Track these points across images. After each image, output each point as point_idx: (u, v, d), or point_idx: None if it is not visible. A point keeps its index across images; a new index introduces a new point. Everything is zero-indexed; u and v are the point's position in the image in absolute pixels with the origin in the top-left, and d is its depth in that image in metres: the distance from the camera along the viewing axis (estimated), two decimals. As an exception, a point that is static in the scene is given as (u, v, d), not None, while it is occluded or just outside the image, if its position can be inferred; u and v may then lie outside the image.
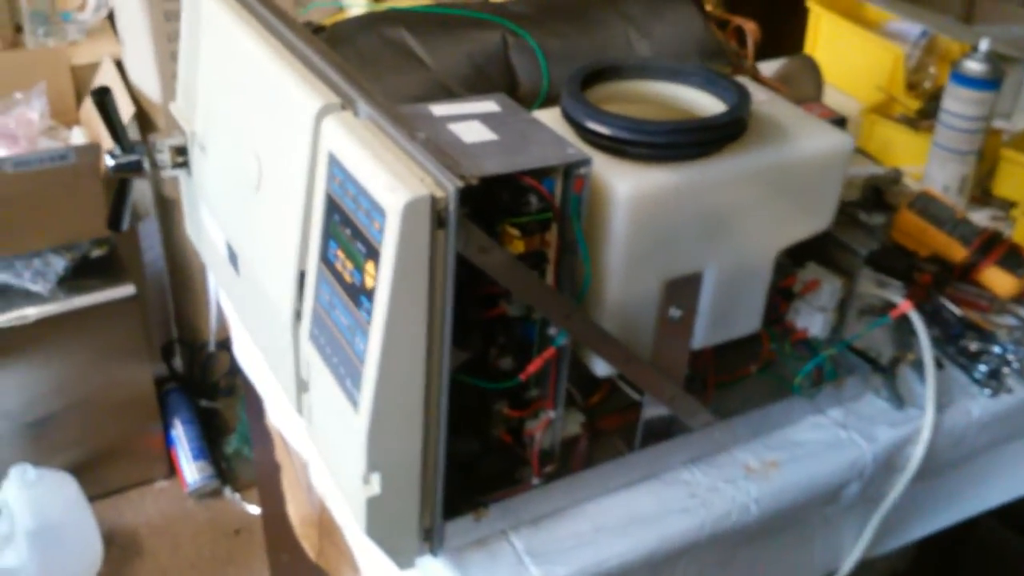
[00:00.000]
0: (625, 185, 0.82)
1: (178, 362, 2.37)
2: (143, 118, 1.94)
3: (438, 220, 0.71)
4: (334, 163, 0.77)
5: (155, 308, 2.31)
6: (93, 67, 2.04)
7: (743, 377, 1.05)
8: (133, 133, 1.89)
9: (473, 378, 0.85)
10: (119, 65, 2.02)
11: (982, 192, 1.42)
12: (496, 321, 0.86)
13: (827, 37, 1.69)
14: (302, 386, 0.91)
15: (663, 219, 0.85)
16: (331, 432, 0.86)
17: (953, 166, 1.36)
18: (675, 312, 0.91)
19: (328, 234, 0.80)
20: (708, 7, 1.13)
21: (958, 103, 1.32)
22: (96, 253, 1.98)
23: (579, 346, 0.89)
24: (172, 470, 2.25)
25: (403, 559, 0.85)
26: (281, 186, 0.88)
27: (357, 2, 1.04)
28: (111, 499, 2.19)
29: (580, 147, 0.80)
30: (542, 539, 0.90)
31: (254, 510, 2.17)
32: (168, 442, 2.24)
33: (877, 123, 1.53)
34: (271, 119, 0.88)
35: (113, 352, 2.05)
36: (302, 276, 0.86)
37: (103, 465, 2.14)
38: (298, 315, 0.87)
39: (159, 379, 2.26)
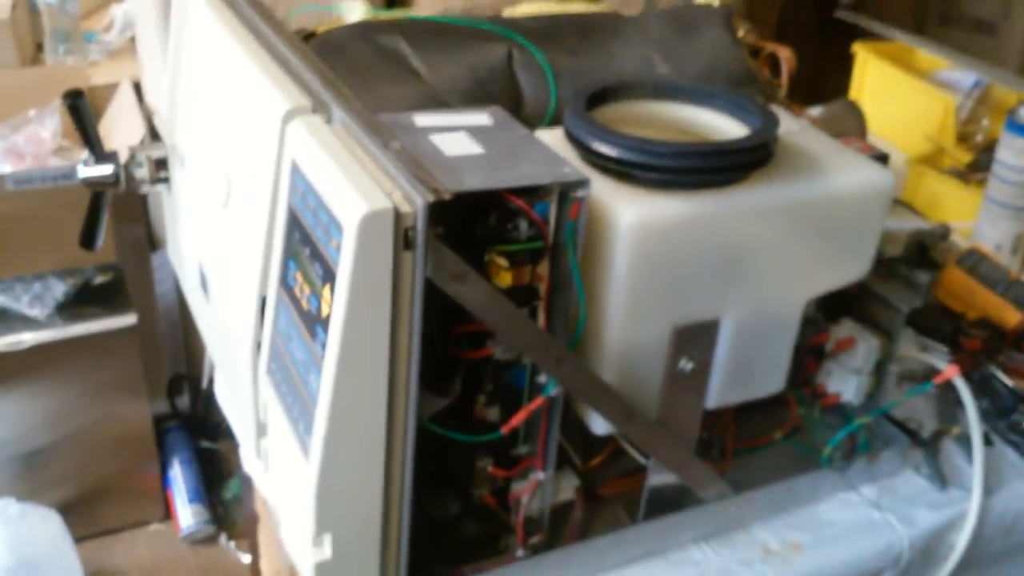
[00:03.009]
0: (630, 212, 0.72)
1: (185, 399, 2.28)
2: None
3: (404, 239, 0.61)
4: (296, 172, 0.68)
5: (166, 341, 2.23)
6: (112, 88, 1.99)
7: (765, 444, 0.94)
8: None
9: (448, 429, 0.74)
10: (138, 87, 1.96)
11: (1038, 252, 1.31)
12: (482, 364, 0.76)
13: (873, 84, 1.59)
14: (261, 429, 0.81)
15: (673, 254, 0.74)
16: (284, 484, 0.75)
17: (1007, 223, 1.26)
18: (686, 364, 0.80)
19: (288, 254, 0.70)
20: (741, 33, 1.03)
21: (1013, 155, 1.22)
22: (100, 279, 1.90)
23: (576, 398, 0.78)
24: (168, 512, 2.15)
25: (357, 634, 0.74)
26: (247, 200, 0.79)
27: (355, 9, 0.95)
28: (102, 539, 2.09)
29: (582, 169, 0.70)
30: (523, 619, 0.78)
31: (249, 560, 2.06)
32: (165, 483, 2.15)
33: (924, 175, 1.42)
34: (241, 126, 0.80)
35: (111, 385, 1.96)
36: (264, 303, 0.76)
37: (95, 503, 2.04)
38: (258, 346, 0.78)
39: (161, 416, 2.17)
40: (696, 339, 0.79)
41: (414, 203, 0.60)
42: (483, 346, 0.75)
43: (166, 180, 1.01)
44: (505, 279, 0.71)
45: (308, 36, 0.93)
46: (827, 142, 0.86)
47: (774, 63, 1.04)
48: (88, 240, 1.03)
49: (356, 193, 0.60)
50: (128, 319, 1.90)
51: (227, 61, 0.84)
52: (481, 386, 0.78)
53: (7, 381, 1.85)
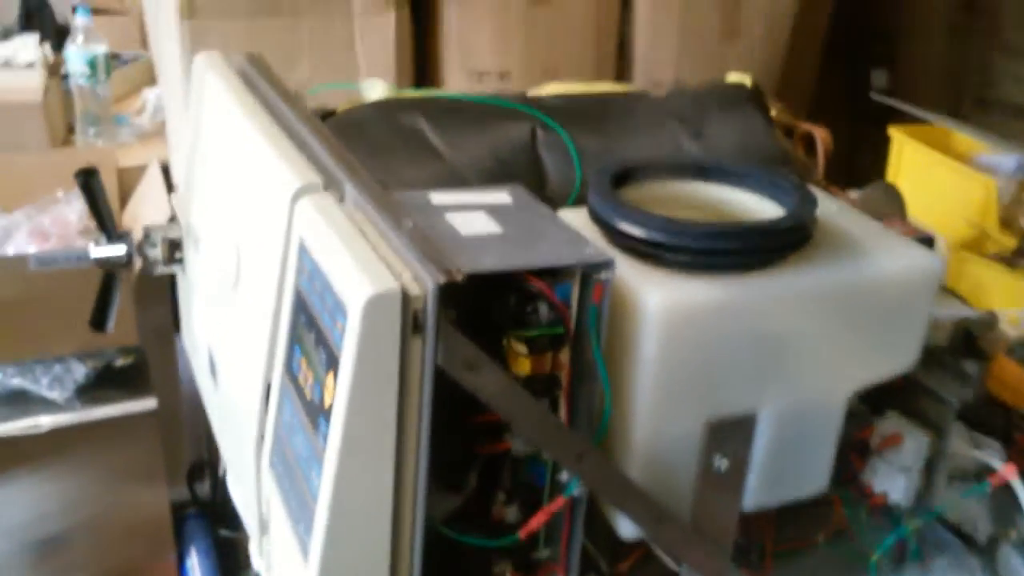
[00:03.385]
0: (657, 295, 0.67)
1: (205, 486, 2.23)
2: (183, 225, 1.87)
3: (413, 323, 0.56)
4: (303, 252, 0.64)
5: (188, 426, 2.19)
6: (140, 170, 1.99)
7: (807, 548, 0.87)
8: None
9: (461, 531, 0.69)
10: (166, 170, 1.97)
11: (1095, 343, 1.24)
12: (499, 459, 0.71)
13: (910, 167, 1.55)
14: (263, 526, 0.76)
15: (705, 342, 0.69)
16: (284, 585, 0.70)
17: (1060, 311, 1.19)
18: (721, 462, 0.74)
19: (294, 338, 0.66)
20: (773, 112, 0.99)
21: (1064, 239, 1.16)
22: (121, 362, 1.87)
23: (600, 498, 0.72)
24: (182, 603, 2.08)
25: None
26: (256, 281, 0.75)
27: (376, 87, 0.93)
28: (114, 631, 2.02)
29: (606, 251, 0.66)
30: None
31: (263, 655, 1.97)
32: (182, 572, 2.08)
33: (968, 261, 1.36)
34: (252, 205, 0.76)
35: (129, 470, 1.92)
36: (269, 391, 0.72)
37: (109, 593, 1.98)
38: (263, 438, 0.73)
39: (180, 503, 2.11)
40: (731, 435, 0.73)
41: (424, 285, 0.56)
42: (500, 439, 0.70)
43: (180, 261, 0.98)
44: (524, 367, 0.66)
45: (328, 114, 0.90)
46: (869, 224, 0.81)
47: (809, 144, 1.00)
48: (99, 321, 1.00)
49: (362, 274, 0.56)
50: (148, 403, 1.86)
51: (240, 139, 0.81)
52: (499, 483, 0.72)
53: (24, 465, 1.81)
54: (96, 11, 2.11)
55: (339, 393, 0.56)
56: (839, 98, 2.16)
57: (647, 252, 0.70)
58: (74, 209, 1.85)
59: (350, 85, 0.95)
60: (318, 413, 0.60)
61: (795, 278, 0.72)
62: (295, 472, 0.65)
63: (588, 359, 0.66)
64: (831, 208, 0.81)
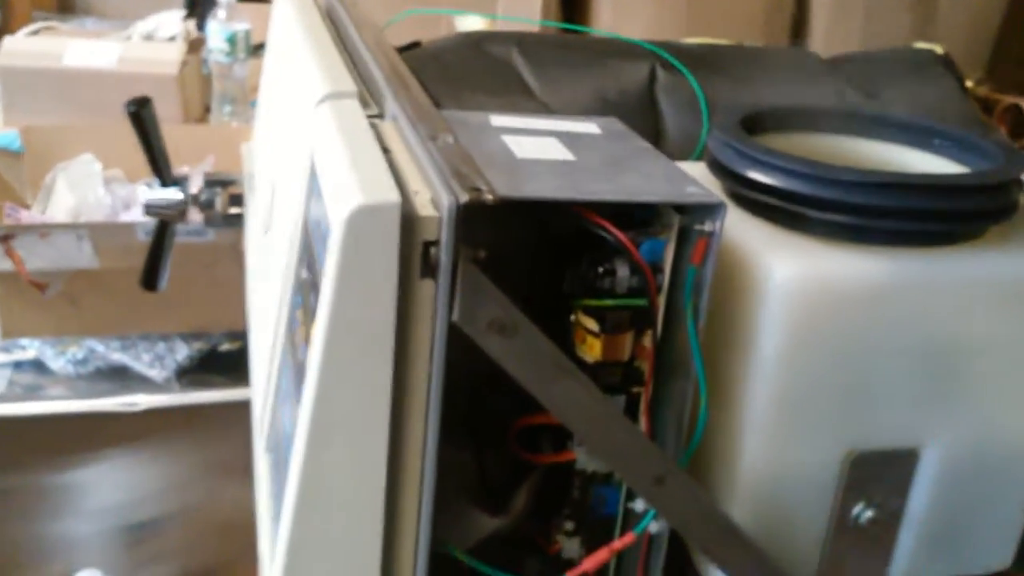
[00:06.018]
0: (791, 267, 0.48)
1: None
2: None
3: (423, 260, 0.40)
4: (313, 170, 0.49)
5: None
6: (267, 153, 1.93)
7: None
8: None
9: (502, 567, 0.51)
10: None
11: None
12: (559, 473, 0.53)
13: None
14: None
15: (855, 340, 0.49)
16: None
17: None
18: (865, 512, 0.55)
19: (296, 287, 0.51)
20: (970, 83, 0.78)
21: None
22: (227, 347, 1.80)
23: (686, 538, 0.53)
24: (270, 609, 1.98)
25: None
26: (282, 221, 0.60)
27: (471, 21, 0.78)
28: (197, 629, 1.93)
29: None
30: None
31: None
32: (273, 575, 1.98)
33: None
34: (286, 130, 0.62)
35: (225, 462, 1.83)
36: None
37: (195, 588, 1.90)
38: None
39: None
40: (881, 476, 0.53)
41: (441, 207, 0.39)
42: (563, 445, 0.52)
43: (239, 217, 0.86)
44: (592, 349, 0.49)
45: (412, 45, 0.75)
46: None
47: (1017, 120, 0.78)
48: (150, 279, 0.89)
49: (356, 184, 0.40)
50: (249, 392, 1.77)
51: (293, 64, 0.67)
52: (557, 506, 0.55)
53: (119, 444, 1.76)
54: (243, -2, 2.08)
55: (313, 347, 0.41)
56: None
57: (783, 209, 0.51)
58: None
59: (442, 11, 0.80)
60: (302, 377, 0.45)
61: (993, 261, 0.51)
62: (279, 456, 0.49)
63: (681, 346, 0.48)
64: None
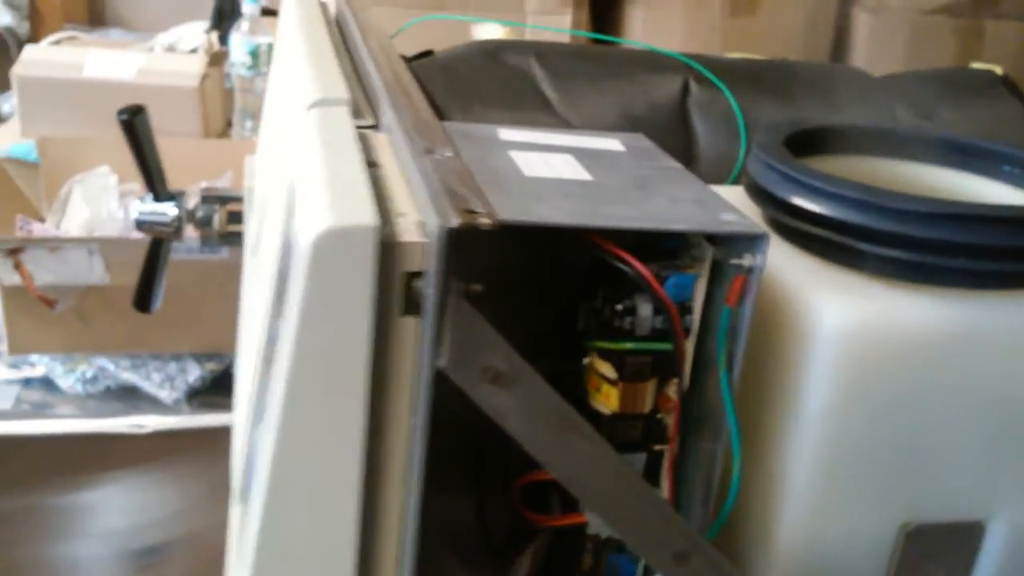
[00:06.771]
0: (842, 308, 0.41)
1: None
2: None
3: (406, 294, 0.33)
4: (292, 186, 0.43)
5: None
6: (287, 167, 1.88)
7: None
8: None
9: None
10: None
11: None
12: (569, 536, 0.47)
13: None
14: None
15: (916, 394, 0.42)
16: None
17: None
18: (921, 591, 0.47)
19: (275, 308, 0.45)
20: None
21: None
22: (240, 369, 1.74)
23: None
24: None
25: None
26: (268, 240, 0.54)
27: (489, 29, 0.72)
28: (202, 660, 1.87)
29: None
30: None
31: None
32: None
33: None
34: (277, 143, 0.56)
35: (231, 486, 1.77)
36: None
37: (201, 618, 1.84)
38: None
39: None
40: (942, 551, 0.45)
41: (429, 232, 0.33)
42: (575, 507, 0.46)
43: (238, 235, 0.80)
44: (609, 399, 0.42)
45: (423, 55, 0.69)
46: None
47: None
48: (142, 300, 0.83)
49: (328, 204, 0.33)
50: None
51: (289, 69, 0.62)
52: (566, 574, 0.48)
53: (125, 467, 1.71)
54: (269, 12, 2.04)
55: (275, 383, 0.34)
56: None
57: (833, 241, 0.44)
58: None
59: (454, 16, 0.74)
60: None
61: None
62: (251, 491, 0.43)
63: (712, 398, 0.41)
64: None
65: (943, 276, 0.42)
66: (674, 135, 0.62)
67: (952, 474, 0.45)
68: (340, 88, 0.49)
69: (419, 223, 0.35)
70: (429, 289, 0.33)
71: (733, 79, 0.64)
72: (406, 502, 0.37)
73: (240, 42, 1.89)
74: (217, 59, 1.95)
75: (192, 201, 0.80)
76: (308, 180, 0.37)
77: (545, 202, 0.37)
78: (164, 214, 0.79)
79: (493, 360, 0.34)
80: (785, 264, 0.45)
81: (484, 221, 0.33)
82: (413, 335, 0.34)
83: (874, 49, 1.51)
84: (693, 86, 0.64)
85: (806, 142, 0.51)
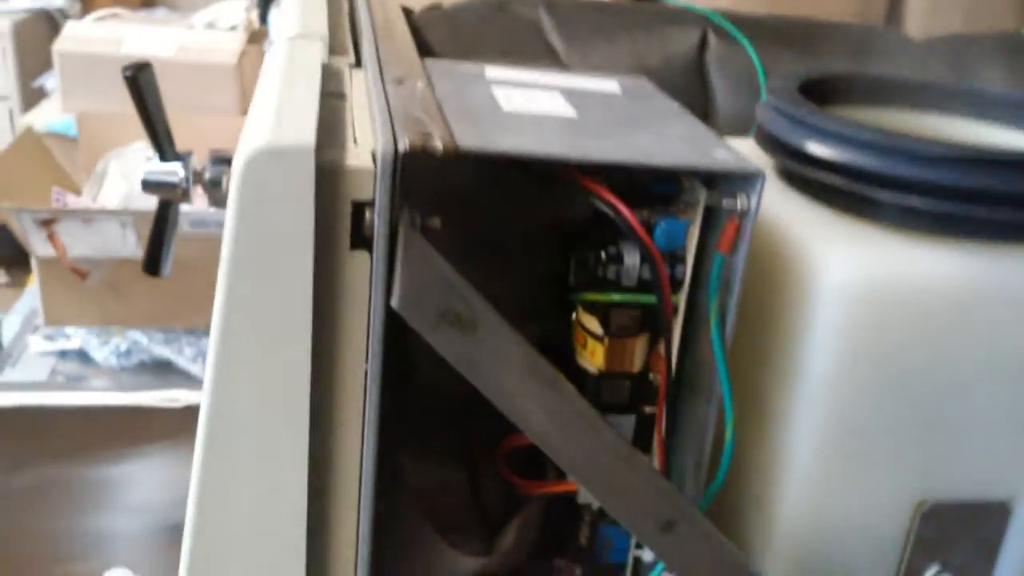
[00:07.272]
0: (850, 260, 0.37)
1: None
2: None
3: (354, 225, 0.31)
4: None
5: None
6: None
7: None
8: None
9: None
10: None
11: None
12: (561, 507, 0.44)
13: None
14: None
15: (934, 357, 0.38)
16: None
17: None
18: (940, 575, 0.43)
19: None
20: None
21: None
22: (273, 345, 1.74)
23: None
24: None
25: None
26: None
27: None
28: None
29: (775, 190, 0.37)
30: None
31: None
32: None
33: None
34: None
35: (266, 464, 1.77)
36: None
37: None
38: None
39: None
40: (962, 532, 0.42)
41: (377, 155, 0.30)
42: (563, 475, 0.43)
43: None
44: (595, 355, 0.39)
45: (430, 8, 0.66)
46: None
47: None
48: (152, 264, 0.81)
49: (269, 126, 0.31)
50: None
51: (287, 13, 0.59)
52: (559, 545, 0.45)
53: (158, 440, 1.72)
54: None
55: (212, 327, 0.32)
56: None
57: (844, 190, 0.40)
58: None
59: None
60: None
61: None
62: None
63: (704, 357, 0.38)
64: None
65: (966, 227, 0.38)
66: (690, 90, 0.58)
67: (974, 448, 0.41)
68: (320, 26, 0.47)
69: (373, 152, 0.32)
70: (376, 219, 0.30)
71: (754, 33, 0.60)
72: (363, 458, 0.34)
73: (278, 19, 1.88)
74: (256, 37, 1.95)
75: (200, 163, 0.78)
76: (258, 107, 0.35)
77: (516, 134, 0.33)
78: (173, 173, 0.76)
79: (451, 301, 0.31)
80: (792, 214, 0.41)
81: (435, 145, 0.30)
82: (364, 272, 0.31)
83: (929, 20, 1.44)
84: (712, 39, 0.60)
85: (822, 91, 0.47)
